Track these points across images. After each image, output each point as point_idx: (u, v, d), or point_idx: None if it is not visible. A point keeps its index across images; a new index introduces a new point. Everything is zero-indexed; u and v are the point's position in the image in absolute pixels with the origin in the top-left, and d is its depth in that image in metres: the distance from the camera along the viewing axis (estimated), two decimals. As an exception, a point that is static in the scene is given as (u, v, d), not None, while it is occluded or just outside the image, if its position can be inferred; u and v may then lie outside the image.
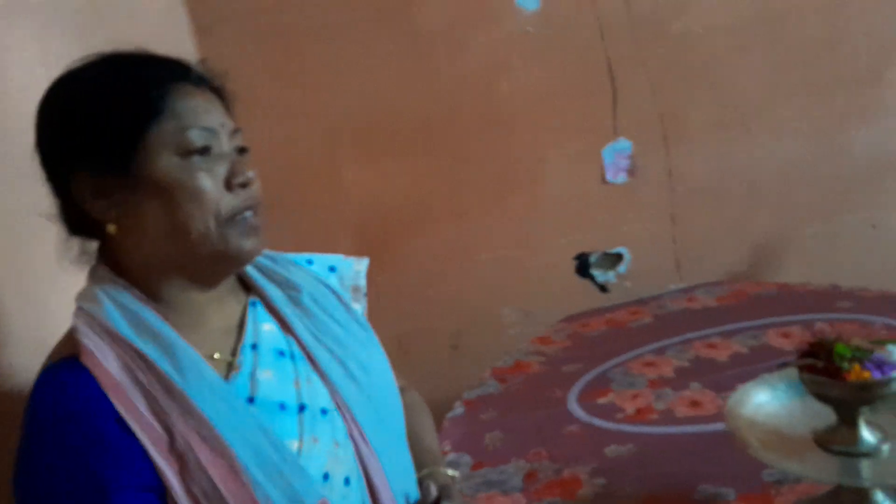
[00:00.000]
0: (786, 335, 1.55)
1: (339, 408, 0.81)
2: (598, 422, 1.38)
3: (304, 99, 2.10)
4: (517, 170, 2.16)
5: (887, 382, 0.87)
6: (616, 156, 2.16)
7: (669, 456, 1.23)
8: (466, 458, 1.33)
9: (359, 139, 2.15)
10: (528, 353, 1.73)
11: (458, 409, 1.53)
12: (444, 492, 0.83)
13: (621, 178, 2.18)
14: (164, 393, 0.70)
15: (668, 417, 1.34)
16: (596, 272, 2.25)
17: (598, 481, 1.19)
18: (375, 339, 0.94)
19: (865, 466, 0.90)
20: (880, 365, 0.89)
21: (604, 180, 2.19)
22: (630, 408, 1.40)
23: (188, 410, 0.69)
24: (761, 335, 1.58)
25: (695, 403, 1.37)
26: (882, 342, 0.92)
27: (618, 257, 2.24)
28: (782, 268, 2.26)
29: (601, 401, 1.45)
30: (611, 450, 1.27)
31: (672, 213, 2.22)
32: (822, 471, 0.91)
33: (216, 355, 0.78)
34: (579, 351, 1.70)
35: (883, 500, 0.92)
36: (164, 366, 0.71)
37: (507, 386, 1.59)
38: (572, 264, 2.26)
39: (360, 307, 0.97)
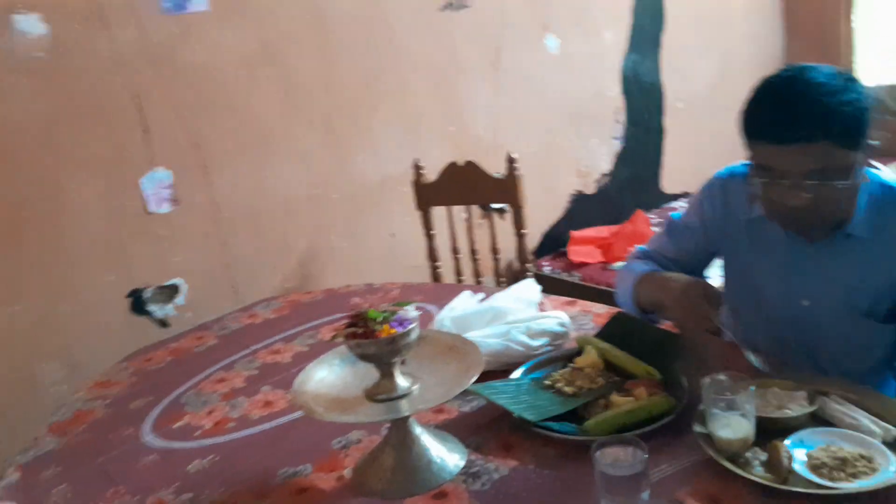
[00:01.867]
0: (337, 329, 1.76)
1: None
2: (176, 444, 1.37)
3: None
4: (33, 208, 1.95)
5: (408, 333, 1.09)
6: (156, 186, 2.14)
7: (250, 454, 1.29)
8: (29, 524, 1.18)
9: None
10: (88, 399, 1.61)
11: (12, 476, 1.33)
12: None
13: (165, 207, 2.17)
14: None
15: (245, 422, 1.41)
16: (153, 307, 2.19)
17: (185, 496, 1.19)
18: None
19: (404, 404, 1.12)
20: (402, 321, 1.11)
21: (147, 211, 2.14)
22: (207, 423, 1.42)
23: None
24: (316, 333, 1.76)
25: (268, 403, 1.46)
26: (401, 304, 1.15)
27: (174, 289, 2.22)
28: (325, 276, 2.54)
29: (177, 425, 1.43)
30: (193, 466, 1.28)
31: (221, 239, 2.30)
32: (372, 416, 1.09)
33: None
34: (146, 385, 1.64)
35: (418, 429, 1.15)
36: None
37: (69, 439, 1.45)
38: (126, 303, 2.15)
39: None
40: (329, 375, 1.20)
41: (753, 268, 1.37)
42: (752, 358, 1.17)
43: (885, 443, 1.03)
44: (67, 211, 2.02)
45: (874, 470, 0.96)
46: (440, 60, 2.81)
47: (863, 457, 0.98)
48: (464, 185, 2.37)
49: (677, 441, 1.12)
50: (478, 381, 1.32)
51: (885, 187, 1.25)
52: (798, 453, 1.01)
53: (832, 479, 0.96)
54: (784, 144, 1.14)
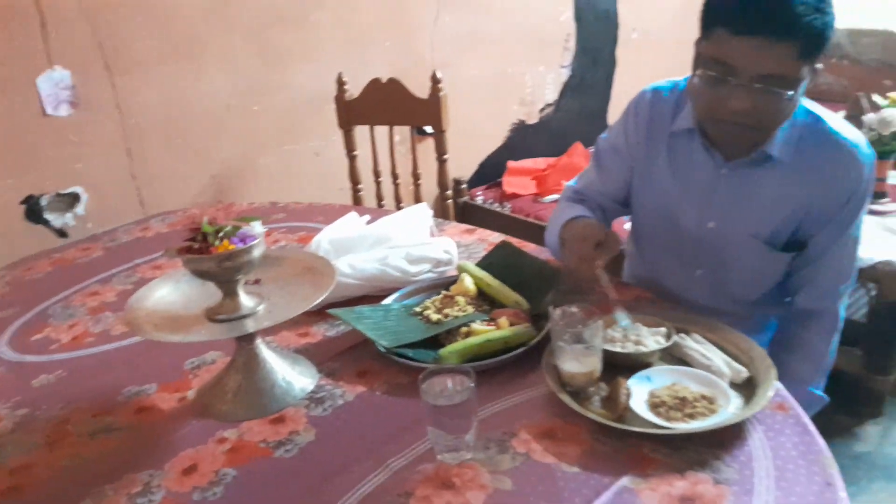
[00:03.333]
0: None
1: None
2: (28, 358, 1.30)
3: None
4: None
5: (248, 250, 1.02)
6: (54, 86, 2.00)
7: (99, 371, 1.23)
8: None
9: None
10: (-47, 308, 1.52)
11: None
12: None
13: (64, 110, 2.03)
14: None
15: (104, 338, 1.34)
16: (50, 216, 2.08)
17: (21, 412, 1.13)
18: None
19: (249, 323, 1.05)
20: (244, 238, 1.04)
21: (44, 113, 2.01)
22: (65, 337, 1.36)
23: None
24: (206, 250, 1.68)
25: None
26: (247, 219, 1.07)
27: (74, 198, 2.11)
28: (246, 193, 2.44)
29: (35, 338, 1.37)
30: (39, 380, 1.22)
31: (128, 148, 2.17)
32: (202, 335, 1.03)
33: None
34: (18, 295, 1.56)
35: (265, 351, 1.10)
36: None
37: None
38: (20, 210, 2.04)
39: None
40: (172, 293, 1.13)
41: (668, 186, 1.33)
42: (621, 315, 1.12)
43: (734, 384, 1.00)
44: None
45: (713, 411, 0.93)
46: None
47: (704, 397, 0.95)
48: (387, 104, 2.26)
49: (530, 373, 1.08)
50: (352, 305, 1.29)
51: (810, 115, 1.22)
52: (641, 391, 0.98)
53: (668, 419, 0.92)
54: (748, 36, 1.07)
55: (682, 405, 0.94)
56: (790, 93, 1.09)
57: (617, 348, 1.06)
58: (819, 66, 1.12)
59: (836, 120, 1.22)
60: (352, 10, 2.58)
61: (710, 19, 1.13)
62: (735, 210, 1.27)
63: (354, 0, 2.58)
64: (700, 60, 1.15)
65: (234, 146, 2.41)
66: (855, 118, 1.45)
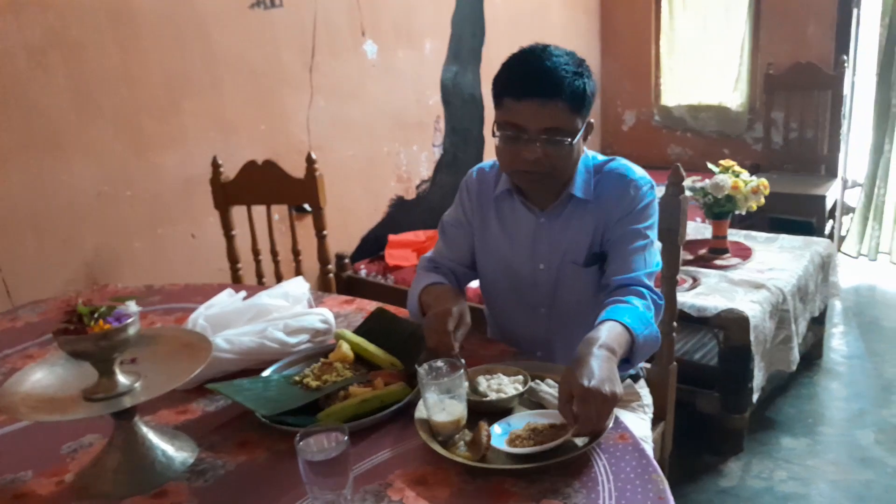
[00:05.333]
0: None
1: None
2: None
3: None
4: None
5: (124, 328, 1.06)
6: None
7: (-34, 465, 1.20)
8: None
9: None
10: None
11: None
12: None
13: (-80, 204, 1.97)
14: None
15: (-30, 431, 1.30)
16: None
17: None
18: None
19: (126, 400, 1.07)
20: (119, 317, 1.07)
21: None
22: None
23: None
24: (81, 337, 1.66)
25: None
26: (121, 299, 1.11)
27: (-69, 293, 2.02)
28: (120, 279, 2.40)
29: None
30: None
31: (-8, 240, 2.12)
32: (79, 414, 1.05)
33: None
34: None
35: (144, 429, 1.12)
36: None
37: None
38: None
39: None
40: (48, 377, 1.14)
41: (501, 242, 1.53)
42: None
43: (583, 420, 1.13)
44: None
45: (559, 436, 1.05)
46: (253, 60, 2.75)
47: (553, 426, 1.07)
48: (264, 185, 2.33)
49: (405, 428, 1.16)
50: (232, 379, 1.33)
51: (603, 162, 1.49)
52: (503, 433, 1.08)
53: (521, 447, 1.03)
54: (526, 99, 1.32)
55: (533, 434, 1.05)
56: (569, 140, 1.34)
57: (480, 397, 1.16)
58: (591, 120, 1.41)
59: (621, 162, 1.49)
60: (220, 97, 2.66)
61: (498, 92, 1.38)
62: (556, 249, 1.48)
63: (221, 88, 2.67)
64: (497, 126, 1.38)
65: (106, 232, 2.39)
66: (676, 184, 1.67)
